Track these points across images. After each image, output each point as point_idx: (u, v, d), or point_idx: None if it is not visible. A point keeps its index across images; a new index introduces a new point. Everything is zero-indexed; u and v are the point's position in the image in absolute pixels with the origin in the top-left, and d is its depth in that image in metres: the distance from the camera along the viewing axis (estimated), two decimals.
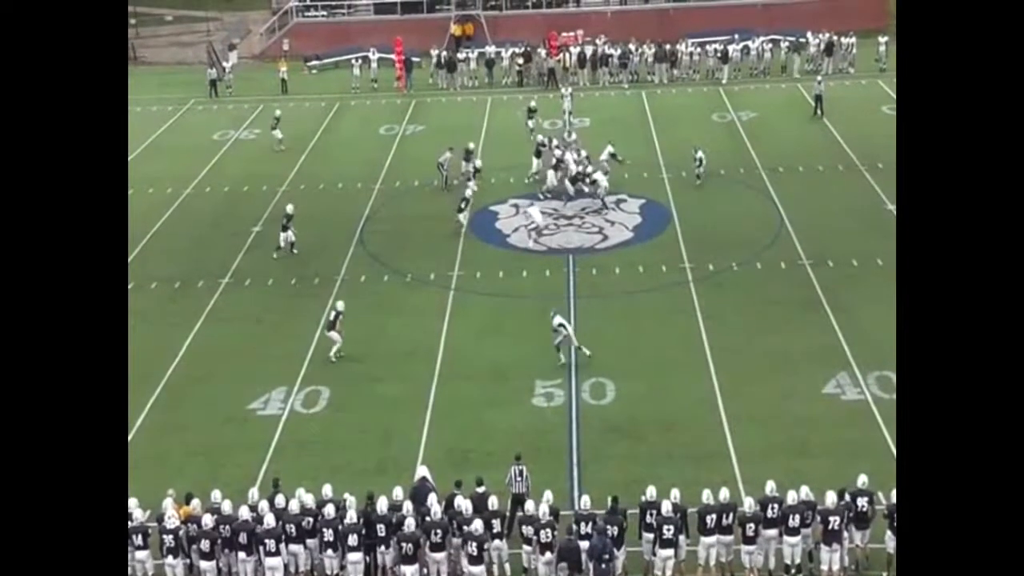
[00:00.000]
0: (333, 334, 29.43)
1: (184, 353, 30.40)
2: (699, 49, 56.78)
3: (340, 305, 29.93)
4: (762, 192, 40.25)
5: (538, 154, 41.46)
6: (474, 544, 20.25)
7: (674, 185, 40.81)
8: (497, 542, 20.78)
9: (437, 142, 43.43)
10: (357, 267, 35.27)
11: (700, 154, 40.31)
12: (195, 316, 32.40)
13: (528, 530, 20.60)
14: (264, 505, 21.12)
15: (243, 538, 20.61)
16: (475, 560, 20.30)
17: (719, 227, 37.17)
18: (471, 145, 42.54)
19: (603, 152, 41.19)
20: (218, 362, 29.92)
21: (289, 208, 36.33)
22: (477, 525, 20.39)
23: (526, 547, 20.76)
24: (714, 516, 20.52)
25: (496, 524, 20.89)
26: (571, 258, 35.51)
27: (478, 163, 41.16)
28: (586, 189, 39.26)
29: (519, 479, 22.09)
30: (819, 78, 49.33)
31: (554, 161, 40.62)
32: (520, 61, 56.68)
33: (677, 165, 41.98)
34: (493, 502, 20.97)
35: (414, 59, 56.82)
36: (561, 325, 28.68)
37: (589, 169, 39.64)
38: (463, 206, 37.47)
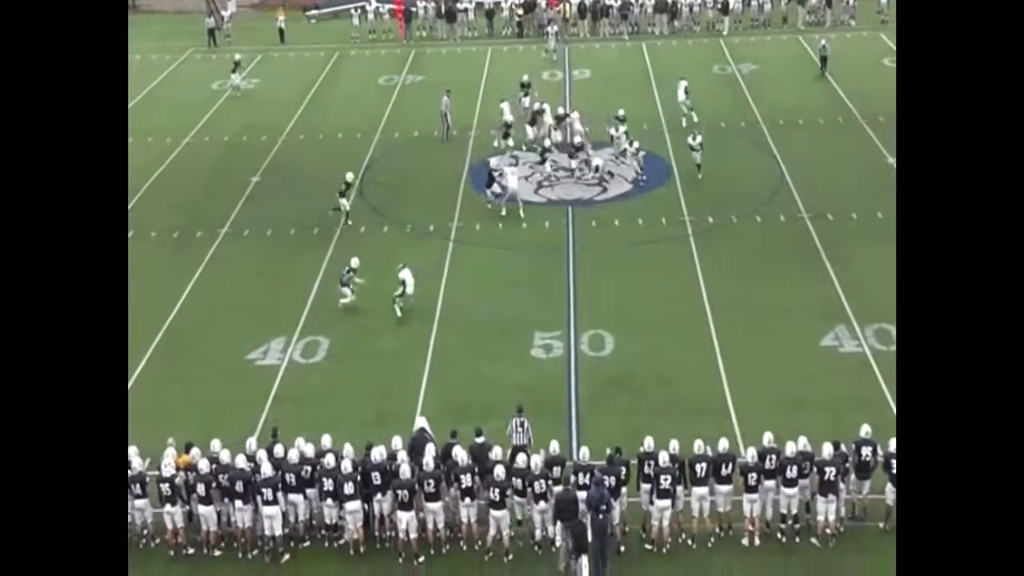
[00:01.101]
0: (345, 290, 29.48)
1: (183, 303, 30.44)
2: (700, 0, 56.45)
3: (355, 262, 29.83)
4: (762, 145, 40.12)
5: (532, 121, 40.66)
6: (496, 490, 20.41)
7: (674, 137, 40.60)
8: None
9: (437, 93, 43.09)
10: (356, 218, 35.15)
11: (700, 140, 37.64)
12: (194, 266, 32.43)
13: (518, 482, 20.70)
14: (262, 454, 21.20)
15: (240, 487, 20.71)
16: (497, 505, 20.49)
17: (719, 180, 37.07)
18: (510, 118, 40.12)
19: (679, 90, 41.98)
20: (217, 312, 29.95)
21: (349, 176, 35.36)
22: (499, 471, 20.56)
23: (518, 498, 20.84)
24: (704, 466, 20.62)
25: None
26: (570, 210, 35.45)
27: (547, 142, 38.83)
28: (575, 163, 38.36)
29: (520, 430, 22.18)
30: (824, 43, 48.23)
31: (555, 120, 40.30)
32: (520, 12, 56.33)
33: (677, 118, 41.83)
34: (496, 452, 21.06)
35: (413, 9, 56.49)
36: (403, 281, 28.85)
37: (590, 149, 38.56)
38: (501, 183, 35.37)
